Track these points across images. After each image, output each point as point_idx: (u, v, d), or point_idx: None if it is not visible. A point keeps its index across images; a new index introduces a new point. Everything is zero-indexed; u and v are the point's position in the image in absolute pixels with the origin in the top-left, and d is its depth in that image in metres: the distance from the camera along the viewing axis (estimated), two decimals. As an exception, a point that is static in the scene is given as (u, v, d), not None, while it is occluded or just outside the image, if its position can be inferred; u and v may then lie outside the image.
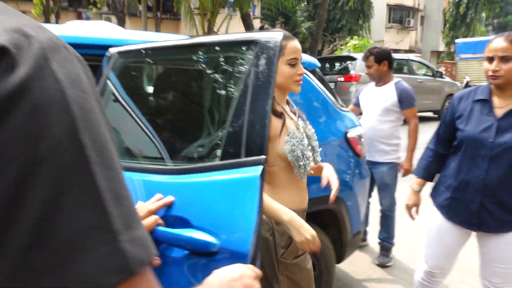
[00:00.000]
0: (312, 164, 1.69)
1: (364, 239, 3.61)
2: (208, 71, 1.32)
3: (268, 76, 1.20)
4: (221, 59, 1.28)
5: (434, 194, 2.12)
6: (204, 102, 1.38)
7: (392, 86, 3.12)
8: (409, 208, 2.20)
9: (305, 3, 26.36)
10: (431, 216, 2.12)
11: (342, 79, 9.59)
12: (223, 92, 1.26)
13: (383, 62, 3.09)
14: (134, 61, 1.59)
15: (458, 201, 1.95)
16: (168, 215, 1.20)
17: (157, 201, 1.19)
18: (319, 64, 2.43)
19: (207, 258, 1.13)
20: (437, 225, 2.07)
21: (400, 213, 3.19)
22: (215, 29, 12.83)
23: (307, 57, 2.37)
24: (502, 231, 1.88)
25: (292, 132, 1.55)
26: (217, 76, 1.26)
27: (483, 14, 24.96)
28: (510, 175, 1.81)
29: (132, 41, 1.68)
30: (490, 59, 1.81)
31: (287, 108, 1.66)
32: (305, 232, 1.39)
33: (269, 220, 1.57)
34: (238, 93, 1.23)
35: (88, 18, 16.69)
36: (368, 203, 3.17)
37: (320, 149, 1.71)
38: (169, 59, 1.48)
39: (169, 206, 1.20)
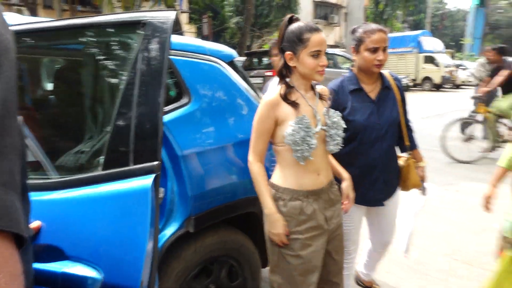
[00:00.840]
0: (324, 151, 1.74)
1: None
2: (87, 61, 1.06)
3: (159, 64, 0.98)
4: (102, 45, 1.03)
5: None
6: (83, 98, 1.11)
7: None
8: None
9: (233, -2, 26.20)
10: None
11: (270, 73, 9.56)
12: (106, 85, 1.02)
13: None
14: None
15: (362, 185, 2.06)
16: (35, 245, 0.94)
17: None
18: (236, 55, 2.24)
19: (86, 297, 0.89)
20: None
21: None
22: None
23: (222, 48, 2.17)
24: (393, 195, 2.19)
25: (300, 118, 1.60)
26: (97, 66, 1.02)
27: (399, 12, 26.59)
28: (393, 146, 2.15)
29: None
30: (375, 50, 1.97)
31: (309, 94, 1.72)
32: (272, 229, 1.64)
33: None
34: (123, 86, 0.99)
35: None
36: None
37: (339, 139, 1.71)
38: (40, 46, 1.19)
39: (36, 232, 0.94)
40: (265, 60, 10.46)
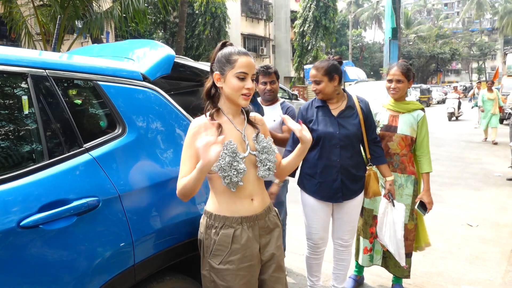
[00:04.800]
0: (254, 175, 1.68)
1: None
2: None
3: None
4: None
5: (302, 184, 2.60)
6: None
7: None
8: (273, 195, 2.61)
9: (162, 31, 26.12)
10: (303, 201, 2.60)
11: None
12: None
13: None
14: None
15: (324, 184, 2.48)
16: None
17: None
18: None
19: None
20: (311, 206, 2.56)
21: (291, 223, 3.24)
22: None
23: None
24: (353, 197, 2.52)
25: (226, 143, 1.57)
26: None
27: (323, 44, 28.09)
28: (354, 155, 2.50)
29: None
30: (314, 82, 2.49)
31: (238, 119, 1.71)
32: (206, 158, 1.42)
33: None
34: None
35: None
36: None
37: (270, 164, 1.67)
38: None
39: None
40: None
